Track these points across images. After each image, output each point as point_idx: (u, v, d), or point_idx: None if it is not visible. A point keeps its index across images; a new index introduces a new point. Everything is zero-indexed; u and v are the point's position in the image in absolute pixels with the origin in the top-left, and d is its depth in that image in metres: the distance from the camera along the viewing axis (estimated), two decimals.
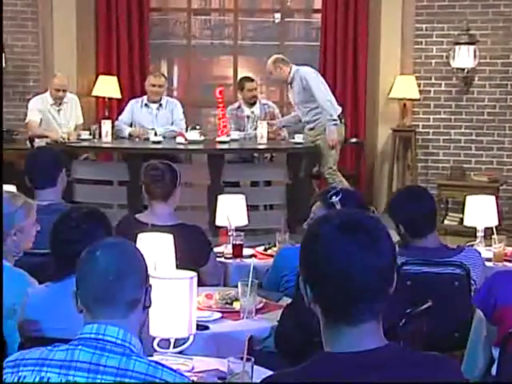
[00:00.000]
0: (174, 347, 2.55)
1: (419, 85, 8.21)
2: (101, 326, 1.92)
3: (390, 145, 8.36)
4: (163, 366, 1.88)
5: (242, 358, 2.20)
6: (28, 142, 7.77)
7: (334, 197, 3.22)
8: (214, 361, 2.60)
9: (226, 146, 7.21)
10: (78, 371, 1.85)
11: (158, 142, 7.21)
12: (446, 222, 8.00)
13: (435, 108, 8.29)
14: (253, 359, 2.20)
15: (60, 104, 7.63)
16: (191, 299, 2.51)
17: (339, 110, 7.37)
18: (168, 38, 9.90)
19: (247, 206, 4.42)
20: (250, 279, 3.15)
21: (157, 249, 3.17)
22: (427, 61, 8.25)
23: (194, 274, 2.53)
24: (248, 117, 7.82)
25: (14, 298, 2.83)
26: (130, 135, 7.57)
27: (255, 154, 7.68)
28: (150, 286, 2.05)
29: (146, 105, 7.72)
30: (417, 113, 8.35)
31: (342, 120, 7.39)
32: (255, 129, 7.51)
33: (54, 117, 7.62)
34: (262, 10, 10.55)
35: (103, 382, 1.83)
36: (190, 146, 7.18)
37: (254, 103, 7.82)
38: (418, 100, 8.25)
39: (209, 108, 9.75)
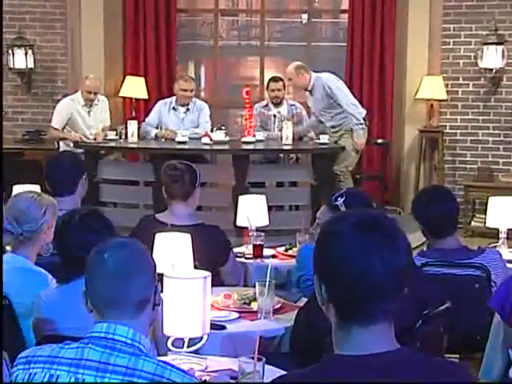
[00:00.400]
0: (188, 346, 2.56)
1: (447, 85, 8.15)
2: (111, 325, 1.93)
3: (416, 146, 8.31)
4: (172, 366, 1.89)
5: (253, 358, 2.20)
6: (56, 143, 7.84)
7: (338, 199, 3.19)
8: (228, 360, 2.61)
9: (251, 147, 7.21)
10: (87, 370, 1.86)
11: (184, 143, 7.22)
12: (473, 223, 7.93)
13: (463, 109, 8.23)
14: (264, 359, 2.20)
15: (91, 106, 7.67)
16: (205, 299, 2.51)
17: (364, 112, 7.35)
18: (195, 39, 9.94)
19: (272, 206, 4.42)
20: (268, 279, 3.14)
21: (175, 248, 3.18)
22: (455, 61, 8.19)
23: (207, 273, 2.53)
24: (274, 116, 7.81)
25: (35, 297, 2.87)
26: (156, 137, 7.60)
27: (280, 155, 7.66)
28: (159, 284, 2.05)
29: (173, 108, 7.73)
30: (444, 113, 8.29)
31: (367, 122, 7.37)
32: (280, 129, 7.51)
33: (83, 118, 7.65)
34: (289, 10, 10.54)
35: (111, 381, 1.84)
36: (215, 147, 7.18)
37: (278, 103, 7.79)
38: (446, 101, 8.20)
39: (236, 109, 9.77)
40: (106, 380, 1.85)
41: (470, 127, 8.22)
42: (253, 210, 4.29)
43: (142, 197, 7.12)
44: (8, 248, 3.11)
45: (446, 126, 8.27)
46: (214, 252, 3.65)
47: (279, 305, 3.30)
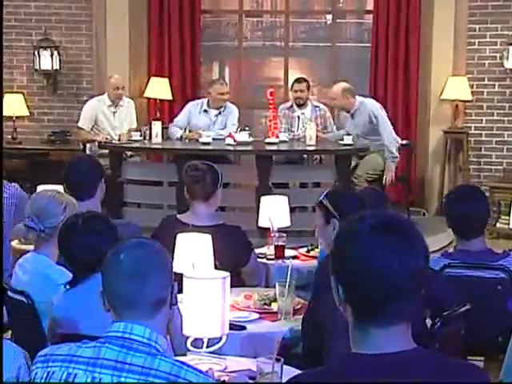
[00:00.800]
0: (208, 347, 2.56)
1: (472, 86, 8.10)
2: (127, 325, 1.94)
3: (441, 147, 8.26)
4: (188, 365, 1.89)
5: (271, 358, 2.20)
6: (81, 144, 7.89)
7: (324, 198, 3.14)
8: (247, 361, 2.61)
9: (274, 148, 7.21)
10: (104, 369, 1.87)
11: (207, 144, 7.24)
12: (498, 225, 7.87)
13: (488, 109, 8.17)
14: (282, 359, 2.19)
15: (117, 106, 7.71)
16: (224, 299, 2.51)
17: (399, 144, 7.39)
18: (219, 40, 9.95)
19: (295, 207, 4.40)
20: (288, 280, 3.14)
21: (195, 249, 3.19)
22: (480, 62, 8.13)
23: (226, 274, 2.54)
24: (298, 117, 7.79)
25: (53, 293, 2.90)
26: (180, 138, 7.61)
27: (304, 156, 7.64)
28: (176, 284, 2.05)
29: (205, 110, 7.73)
30: (469, 114, 8.24)
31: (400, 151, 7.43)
32: (304, 130, 7.50)
33: (108, 119, 7.70)
34: (313, 11, 10.52)
35: (128, 380, 1.85)
36: (239, 147, 7.19)
37: (301, 105, 7.76)
38: (471, 101, 8.14)
39: (260, 109, 9.77)
40: (122, 379, 1.85)
41: (496, 128, 8.16)
42: (275, 211, 4.28)
43: (165, 197, 7.14)
44: (31, 247, 3.14)
45: (470, 126, 8.22)
46: (235, 252, 3.65)
47: (299, 306, 3.30)
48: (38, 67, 8.57)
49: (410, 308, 1.63)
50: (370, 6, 9.03)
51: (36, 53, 8.52)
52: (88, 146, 7.73)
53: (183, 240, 3.23)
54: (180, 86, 8.84)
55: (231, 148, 7.18)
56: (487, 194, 7.86)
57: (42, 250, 3.12)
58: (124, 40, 8.66)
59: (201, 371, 1.91)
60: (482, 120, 8.20)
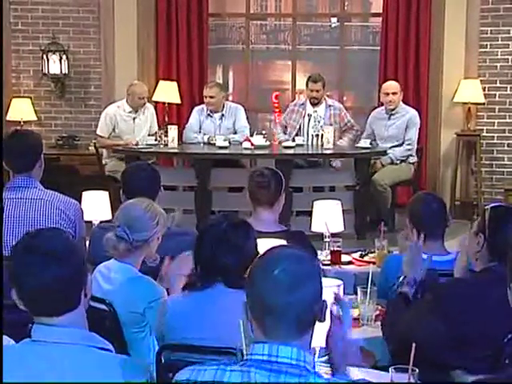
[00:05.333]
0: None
1: (484, 89, 8.11)
2: (273, 347, 1.82)
3: (453, 149, 8.27)
4: (343, 381, 1.83)
5: (406, 370, 2.14)
6: (94, 149, 7.78)
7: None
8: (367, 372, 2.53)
9: (291, 151, 7.18)
10: None
11: (225, 147, 7.19)
12: None
13: (500, 112, 8.19)
14: (417, 370, 2.14)
15: (137, 111, 7.63)
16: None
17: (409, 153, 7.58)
18: (224, 43, 9.90)
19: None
20: (369, 286, 3.11)
21: None
22: (492, 64, 8.15)
23: (340, 282, 2.49)
24: (309, 115, 7.72)
25: (145, 304, 2.84)
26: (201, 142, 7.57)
27: (321, 159, 7.60)
28: (325, 300, 1.95)
29: (208, 115, 7.69)
30: (481, 117, 8.25)
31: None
32: (315, 131, 7.50)
33: (127, 125, 7.61)
34: (319, 14, 10.50)
35: None
36: (257, 151, 7.15)
37: (315, 104, 7.71)
38: (483, 104, 8.16)
39: (264, 113, 9.73)
40: None
41: (508, 131, 8.19)
42: (329, 216, 4.24)
43: (181, 202, 7.07)
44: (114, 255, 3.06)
45: (482, 129, 8.24)
46: None
47: (377, 311, 3.26)
48: (46, 71, 8.45)
49: None
50: (375, 9, 9.03)
51: (45, 57, 8.40)
52: (105, 152, 7.62)
53: (262, 246, 3.17)
54: (188, 90, 8.78)
55: (249, 152, 7.14)
56: (501, 197, 7.96)
57: (127, 260, 3.03)
58: (132, 44, 8.58)
59: None
60: (493, 123, 8.22)
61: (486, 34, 8.13)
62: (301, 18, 9.54)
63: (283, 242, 3.23)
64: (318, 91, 7.60)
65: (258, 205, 3.80)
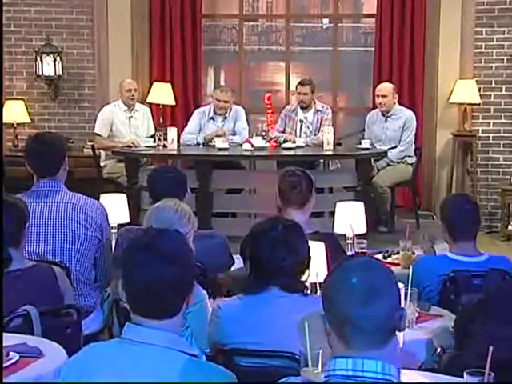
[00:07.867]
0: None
1: (479, 89, 8.14)
2: (357, 361, 1.78)
3: (448, 150, 8.29)
4: None
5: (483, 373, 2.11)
6: (91, 151, 7.72)
7: None
8: (415, 374, 2.52)
9: (291, 153, 7.17)
10: None
11: (225, 149, 7.16)
12: (510, 227, 7.96)
13: (495, 112, 8.23)
14: (492, 374, 2.11)
15: (132, 110, 7.60)
16: None
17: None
18: (215, 45, 9.85)
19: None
20: (410, 288, 3.09)
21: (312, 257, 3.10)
22: (487, 65, 8.19)
23: None
24: (301, 121, 7.72)
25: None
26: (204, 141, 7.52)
27: (321, 161, 7.59)
28: (404, 308, 1.92)
29: (211, 118, 7.65)
30: (476, 117, 8.29)
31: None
32: (306, 137, 7.52)
33: (124, 125, 7.58)
34: (312, 15, 10.48)
35: None
36: (257, 153, 7.14)
37: (304, 108, 7.69)
38: (478, 105, 8.19)
39: (255, 114, 9.69)
40: None
41: (503, 131, 8.23)
42: (352, 217, 4.21)
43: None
44: None
45: (478, 130, 8.27)
46: (330, 260, 3.57)
47: (416, 314, 3.23)
48: (40, 73, 8.35)
49: None
50: (367, 10, 9.03)
51: (38, 58, 8.30)
52: (103, 153, 7.57)
53: None
54: (182, 91, 8.73)
55: (249, 154, 7.11)
56: (497, 197, 8.00)
57: None
58: (126, 45, 8.52)
59: None
60: (489, 123, 8.26)
61: (481, 34, 8.16)
62: (293, 19, 9.52)
63: (318, 243, 3.21)
64: (305, 94, 7.58)
65: (289, 205, 3.77)
